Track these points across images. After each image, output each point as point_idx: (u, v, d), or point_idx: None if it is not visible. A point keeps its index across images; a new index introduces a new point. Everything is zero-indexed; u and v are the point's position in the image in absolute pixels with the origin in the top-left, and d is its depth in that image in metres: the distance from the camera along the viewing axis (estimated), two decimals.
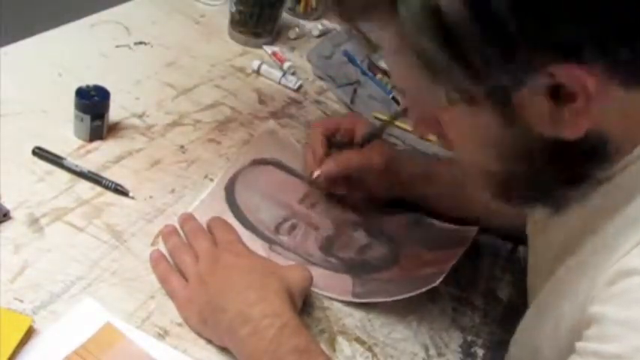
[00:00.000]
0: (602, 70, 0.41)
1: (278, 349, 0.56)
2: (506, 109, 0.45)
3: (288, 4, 1.15)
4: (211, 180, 0.77)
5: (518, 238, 0.74)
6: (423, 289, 0.66)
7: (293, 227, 0.75)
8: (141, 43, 0.96)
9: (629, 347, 0.42)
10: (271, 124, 0.88)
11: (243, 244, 0.66)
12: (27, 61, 0.85)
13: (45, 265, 0.62)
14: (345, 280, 0.70)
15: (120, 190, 0.71)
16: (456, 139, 0.52)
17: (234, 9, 1.02)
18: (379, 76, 1.06)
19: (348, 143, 0.77)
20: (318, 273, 0.68)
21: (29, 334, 0.55)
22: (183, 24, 1.05)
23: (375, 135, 0.75)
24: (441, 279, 0.67)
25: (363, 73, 1.05)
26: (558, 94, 0.43)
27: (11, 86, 0.79)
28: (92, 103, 0.74)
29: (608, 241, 0.48)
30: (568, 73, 0.41)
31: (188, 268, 0.64)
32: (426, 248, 0.76)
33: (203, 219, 0.70)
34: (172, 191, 0.74)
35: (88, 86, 0.75)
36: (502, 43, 0.40)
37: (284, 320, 0.57)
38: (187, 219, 0.70)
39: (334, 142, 0.77)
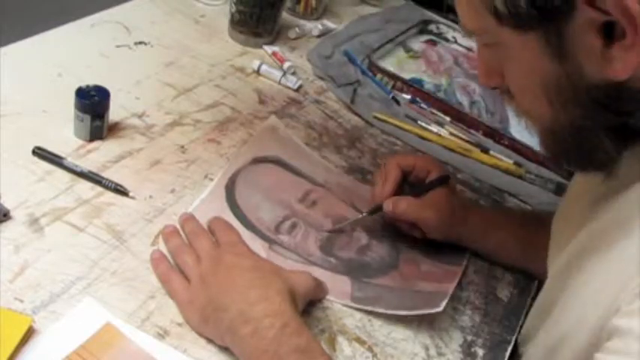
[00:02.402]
0: None
1: (279, 349, 0.56)
2: (557, 41, 0.46)
3: (288, 4, 1.15)
4: (211, 180, 0.77)
5: None
6: (426, 312, 0.67)
7: (293, 226, 0.75)
8: (141, 43, 0.96)
9: None
10: (273, 119, 0.88)
11: (245, 245, 0.66)
12: (27, 61, 0.85)
13: (45, 265, 0.62)
14: (345, 282, 0.70)
15: (120, 190, 0.71)
16: (515, 84, 0.53)
17: (234, 9, 1.02)
18: (379, 76, 1.06)
19: (418, 185, 0.77)
20: (317, 273, 0.68)
21: (29, 334, 0.55)
22: (183, 24, 1.05)
23: (431, 186, 0.76)
24: (444, 304, 0.67)
25: (363, 73, 1.05)
26: (608, 31, 0.43)
27: (11, 86, 0.79)
28: (92, 103, 0.74)
29: None
30: (615, 3, 0.42)
31: (190, 268, 0.64)
32: (423, 255, 0.76)
33: (203, 218, 0.70)
34: (172, 191, 0.74)
35: (88, 86, 0.75)
36: None
37: (285, 320, 0.57)
38: (188, 219, 0.70)
39: (407, 179, 0.78)
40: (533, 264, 0.76)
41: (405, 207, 0.74)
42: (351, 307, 0.68)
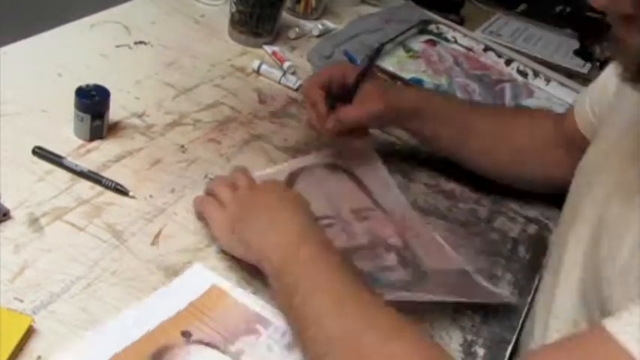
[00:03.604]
0: None
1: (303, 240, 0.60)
2: None
3: (288, 4, 1.15)
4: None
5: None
6: (462, 300, 0.68)
7: (328, 227, 0.74)
8: (141, 43, 0.96)
9: None
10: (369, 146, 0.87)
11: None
12: (27, 61, 0.85)
13: (45, 265, 0.62)
14: None
15: (120, 190, 0.71)
16: None
17: (234, 9, 1.02)
18: (379, 75, 1.06)
19: (343, 92, 0.79)
20: None
21: (29, 333, 0.55)
22: (183, 24, 1.05)
23: (361, 77, 0.78)
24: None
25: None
26: None
27: (11, 86, 0.79)
28: (92, 103, 0.74)
29: None
30: None
31: (226, 194, 0.67)
32: (453, 294, 0.70)
33: None
34: (172, 191, 0.74)
35: (88, 86, 0.75)
36: None
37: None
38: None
39: (330, 93, 0.79)
40: (464, 150, 0.83)
41: (346, 116, 0.77)
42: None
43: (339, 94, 0.79)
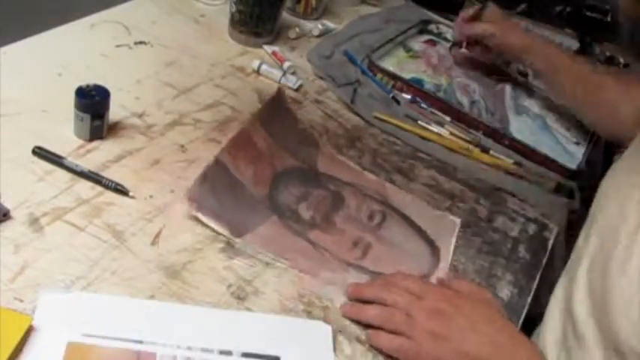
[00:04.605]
0: None
1: None
2: None
3: (288, 4, 1.15)
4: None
5: None
6: None
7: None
8: (141, 43, 0.96)
9: None
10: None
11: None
12: (27, 61, 0.85)
13: (45, 264, 0.62)
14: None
15: (120, 190, 0.71)
16: None
17: (234, 9, 1.02)
18: (379, 75, 1.06)
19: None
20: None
21: (29, 333, 0.55)
22: (183, 24, 1.05)
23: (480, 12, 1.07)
24: None
25: (363, 72, 1.06)
26: None
27: (11, 86, 0.79)
28: (92, 103, 0.74)
29: None
30: None
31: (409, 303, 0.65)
32: None
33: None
34: (172, 191, 0.74)
35: (88, 86, 0.75)
36: None
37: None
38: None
39: None
40: (590, 113, 0.93)
41: (466, 26, 1.02)
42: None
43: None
